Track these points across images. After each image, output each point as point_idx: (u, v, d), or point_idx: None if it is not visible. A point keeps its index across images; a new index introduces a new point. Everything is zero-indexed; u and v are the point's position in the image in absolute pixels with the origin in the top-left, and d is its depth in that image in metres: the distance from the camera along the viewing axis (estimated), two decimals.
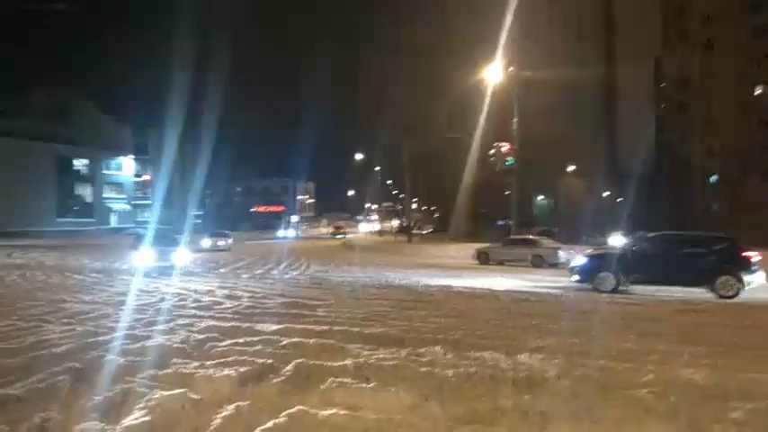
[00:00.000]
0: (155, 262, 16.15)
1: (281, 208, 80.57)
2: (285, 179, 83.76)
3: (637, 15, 63.39)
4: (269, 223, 63.79)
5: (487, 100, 36.94)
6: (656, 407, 4.05)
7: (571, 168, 60.59)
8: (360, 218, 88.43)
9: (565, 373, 4.90)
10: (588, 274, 14.48)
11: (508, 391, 4.43)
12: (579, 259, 15.31)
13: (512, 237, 27.48)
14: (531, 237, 26.23)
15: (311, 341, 6.28)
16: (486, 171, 53.89)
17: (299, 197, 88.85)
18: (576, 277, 14.78)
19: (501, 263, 24.17)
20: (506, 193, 36.47)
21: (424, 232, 61.51)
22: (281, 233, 54.23)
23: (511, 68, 30.16)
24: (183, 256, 17.46)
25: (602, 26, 64.22)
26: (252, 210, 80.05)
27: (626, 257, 14.26)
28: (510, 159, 33.62)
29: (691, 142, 53.75)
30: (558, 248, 24.01)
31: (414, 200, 65.00)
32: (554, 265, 22.81)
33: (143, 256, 16.17)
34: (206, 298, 10.42)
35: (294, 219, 72.43)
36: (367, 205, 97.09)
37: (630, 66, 60.91)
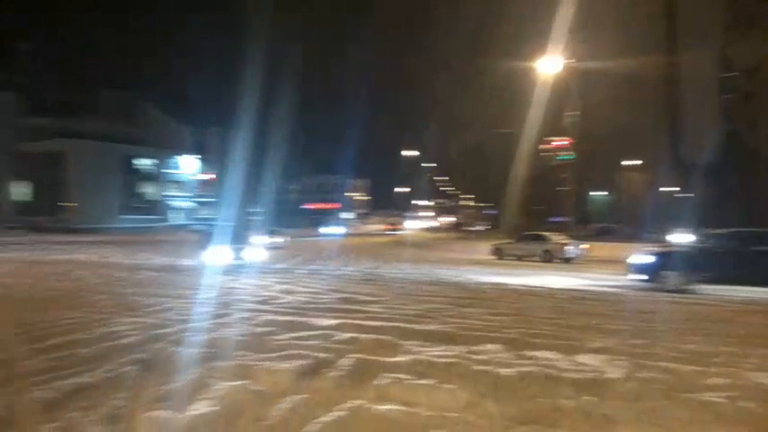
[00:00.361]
0: (224, 259, 16.18)
1: (334, 205, 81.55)
2: (338, 176, 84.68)
3: (701, 2, 60.41)
4: (322, 220, 64.66)
5: (540, 93, 36.17)
6: (724, 411, 3.89)
7: (632, 162, 58.49)
8: (409, 214, 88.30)
9: (628, 374, 4.77)
10: (650, 271, 13.98)
11: (568, 392, 4.35)
12: (641, 257, 14.79)
13: (525, 233, 28.56)
14: (541, 233, 27.00)
15: (366, 337, 6.35)
16: (539, 166, 52.80)
17: (352, 194, 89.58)
18: (637, 275, 14.30)
19: (519, 258, 24.85)
20: (559, 188, 35.65)
21: (477, 229, 60.92)
22: (333, 230, 54.81)
23: (569, 60, 29.38)
24: (253, 252, 17.53)
25: (665, 14, 61.57)
26: (306, 207, 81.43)
27: (693, 255, 13.67)
28: (564, 154, 32.84)
29: (759, 129, 50.97)
30: (566, 244, 24.79)
31: (469, 196, 64.37)
32: (565, 259, 23.57)
33: (212, 253, 16.37)
34: (264, 293, 10.69)
35: (348, 216, 73.16)
36: (417, 202, 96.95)
37: (695, 54, 58.14)
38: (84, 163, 47.93)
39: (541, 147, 53.54)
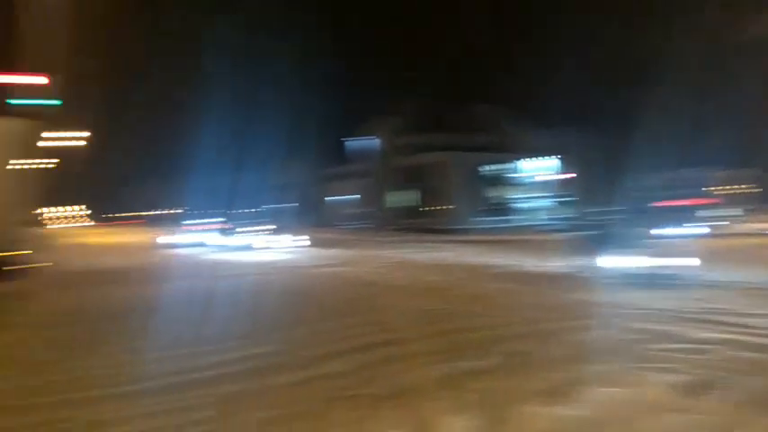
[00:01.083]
0: (624, 263, 13.63)
1: (698, 200, 71.40)
2: (708, 168, 73.81)
3: None
4: (679, 218, 57.43)
5: None
6: None
7: None
8: None
9: None
10: None
11: None
12: None
13: None
14: None
15: (760, 356, 5.44)
16: None
17: (730, 187, 77.07)
18: None
19: None
20: None
21: None
22: (687, 230, 47.55)
23: None
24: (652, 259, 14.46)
25: None
26: (661, 204, 73.68)
27: None
28: None
29: None
30: None
31: None
32: None
33: (605, 257, 14.03)
34: (632, 297, 9.73)
35: (726, 212, 63.17)
36: None
37: None
38: (450, 172, 54.89)
39: None
